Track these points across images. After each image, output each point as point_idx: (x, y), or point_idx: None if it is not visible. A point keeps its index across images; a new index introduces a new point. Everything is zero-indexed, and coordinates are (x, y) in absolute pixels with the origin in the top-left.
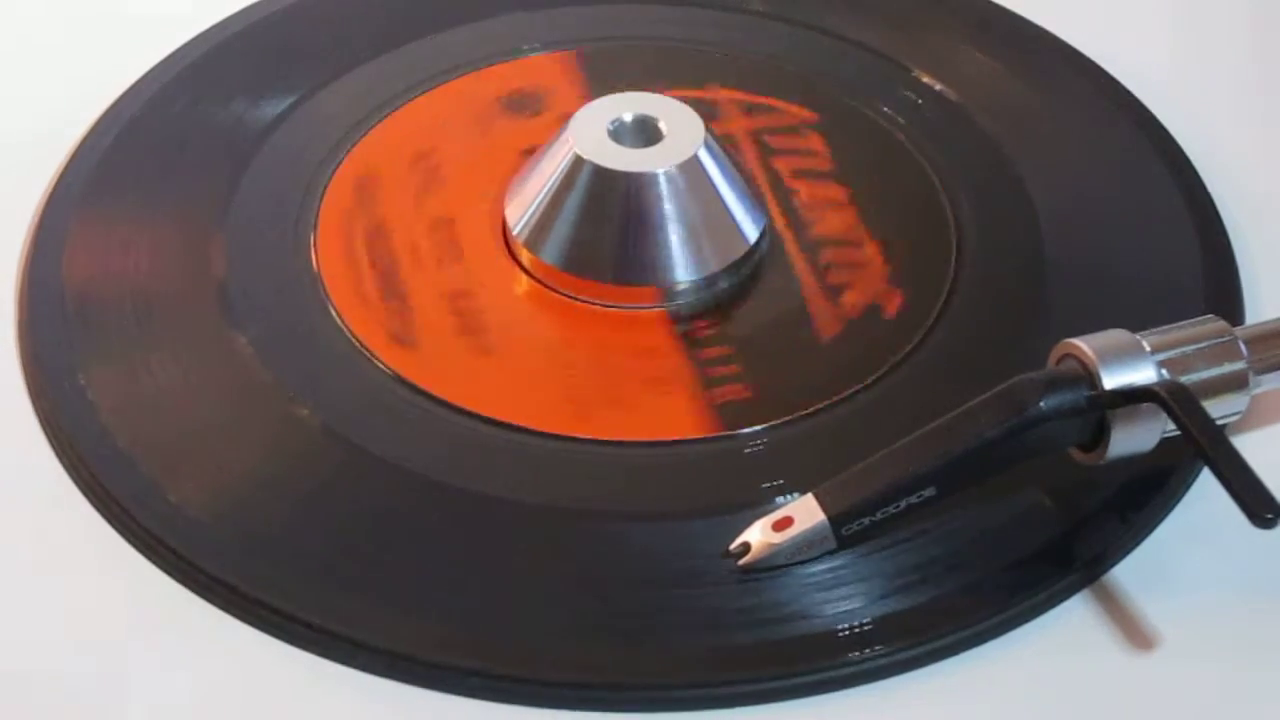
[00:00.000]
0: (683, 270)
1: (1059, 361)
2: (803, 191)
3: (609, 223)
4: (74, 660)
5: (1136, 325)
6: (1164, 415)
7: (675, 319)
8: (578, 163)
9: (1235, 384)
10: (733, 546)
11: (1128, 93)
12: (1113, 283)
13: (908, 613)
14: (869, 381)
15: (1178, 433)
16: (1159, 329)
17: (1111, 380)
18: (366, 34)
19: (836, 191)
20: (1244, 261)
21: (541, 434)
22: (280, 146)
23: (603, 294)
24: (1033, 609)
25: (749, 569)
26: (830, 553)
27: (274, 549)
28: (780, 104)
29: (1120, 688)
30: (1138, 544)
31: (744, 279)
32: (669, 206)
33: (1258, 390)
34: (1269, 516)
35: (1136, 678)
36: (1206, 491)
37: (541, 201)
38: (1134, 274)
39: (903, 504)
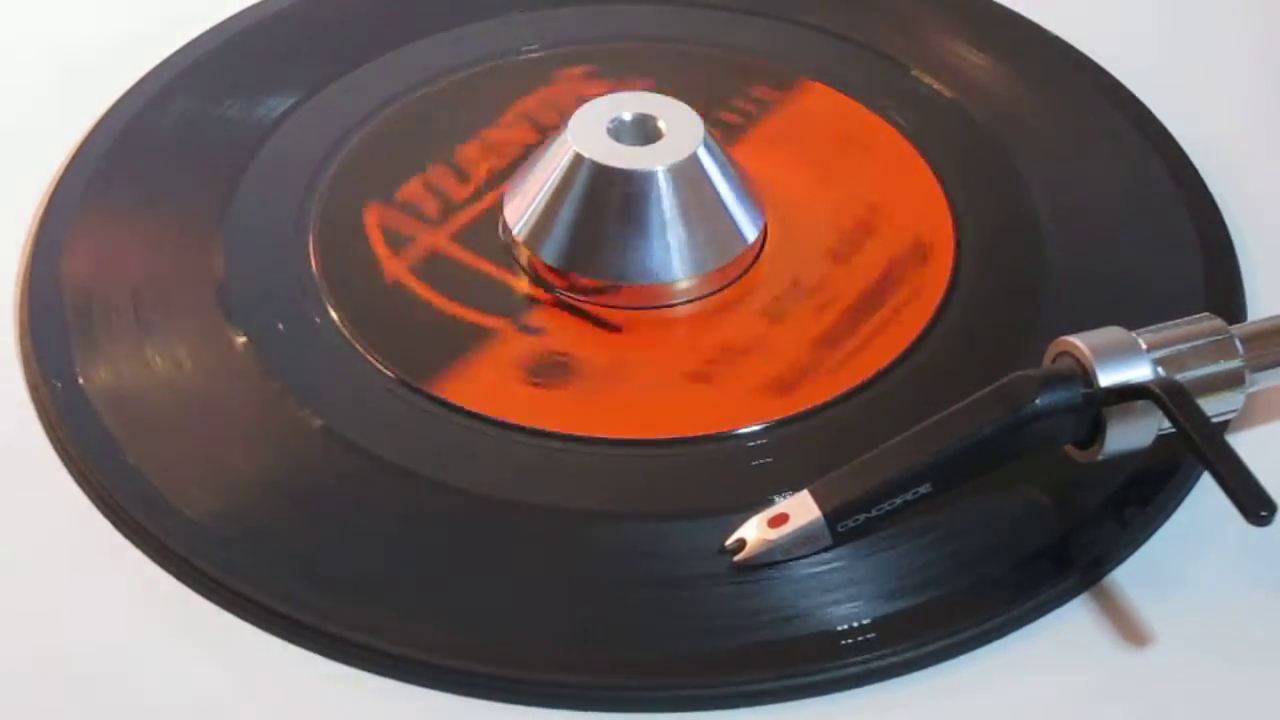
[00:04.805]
0: (682, 268)
1: (1055, 359)
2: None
3: (608, 221)
4: (75, 661)
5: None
6: (1160, 412)
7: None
8: (577, 161)
9: (1231, 382)
10: (728, 542)
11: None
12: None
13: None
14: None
15: (1174, 430)
16: (1155, 326)
17: (1107, 378)
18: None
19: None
20: (1244, 261)
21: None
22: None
23: (602, 292)
24: (1032, 611)
25: (744, 565)
26: (826, 549)
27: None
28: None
29: (1120, 690)
30: (1138, 546)
31: (743, 278)
32: (668, 205)
33: (1254, 388)
34: (1263, 514)
35: (1136, 680)
36: (1206, 494)
37: (541, 200)
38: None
39: (898, 500)
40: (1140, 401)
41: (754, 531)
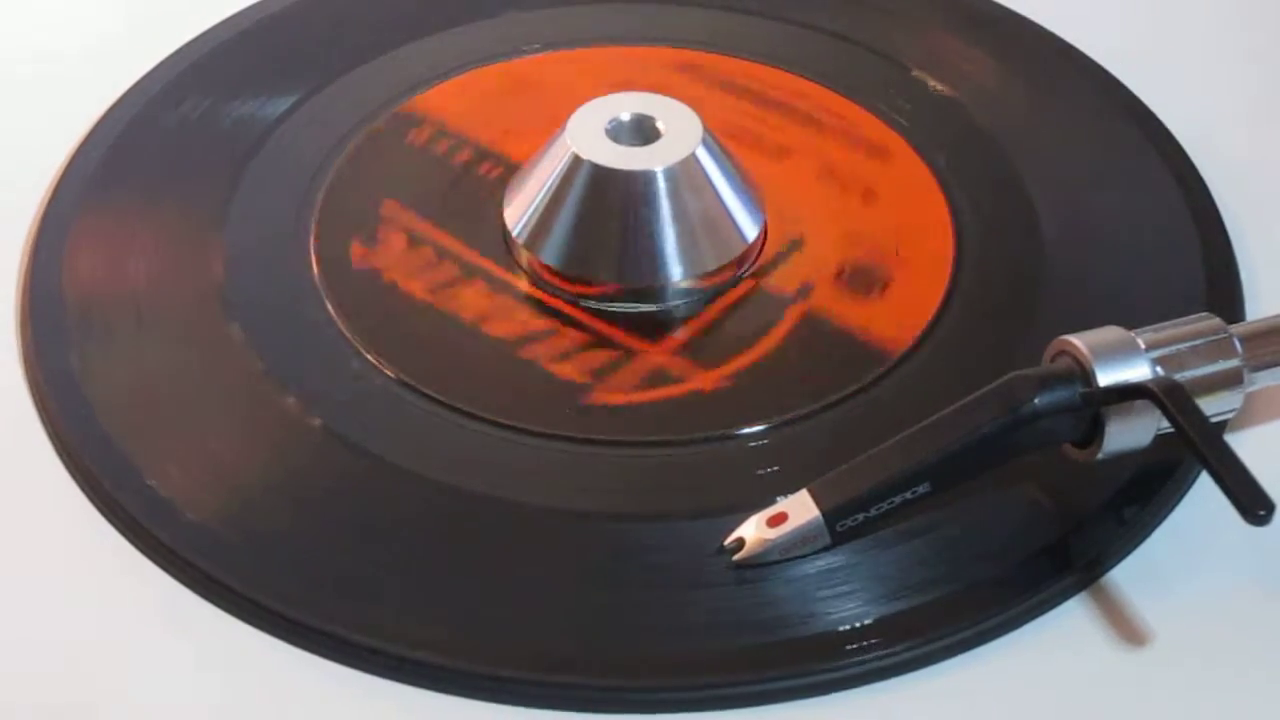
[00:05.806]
0: (682, 269)
1: (1054, 358)
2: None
3: (608, 222)
4: (75, 662)
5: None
6: (1159, 412)
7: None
8: (576, 162)
9: (1230, 381)
10: (727, 542)
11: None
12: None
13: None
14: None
15: (1173, 430)
16: (1154, 326)
17: (1106, 377)
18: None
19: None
20: (1244, 261)
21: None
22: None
23: (602, 293)
24: (1032, 610)
25: (743, 564)
26: (825, 548)
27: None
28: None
29: (1119, 689)
30: (1136, 546)
31: (742, 277)
32: (667, 205)
33: (1253, 388)
34: (1261, 513)
35: (1135, 679)
36: (1205, 494)
37: (540, 202)
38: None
39: (897, 500)
40: (1139, 401)
41: (753, 531)
